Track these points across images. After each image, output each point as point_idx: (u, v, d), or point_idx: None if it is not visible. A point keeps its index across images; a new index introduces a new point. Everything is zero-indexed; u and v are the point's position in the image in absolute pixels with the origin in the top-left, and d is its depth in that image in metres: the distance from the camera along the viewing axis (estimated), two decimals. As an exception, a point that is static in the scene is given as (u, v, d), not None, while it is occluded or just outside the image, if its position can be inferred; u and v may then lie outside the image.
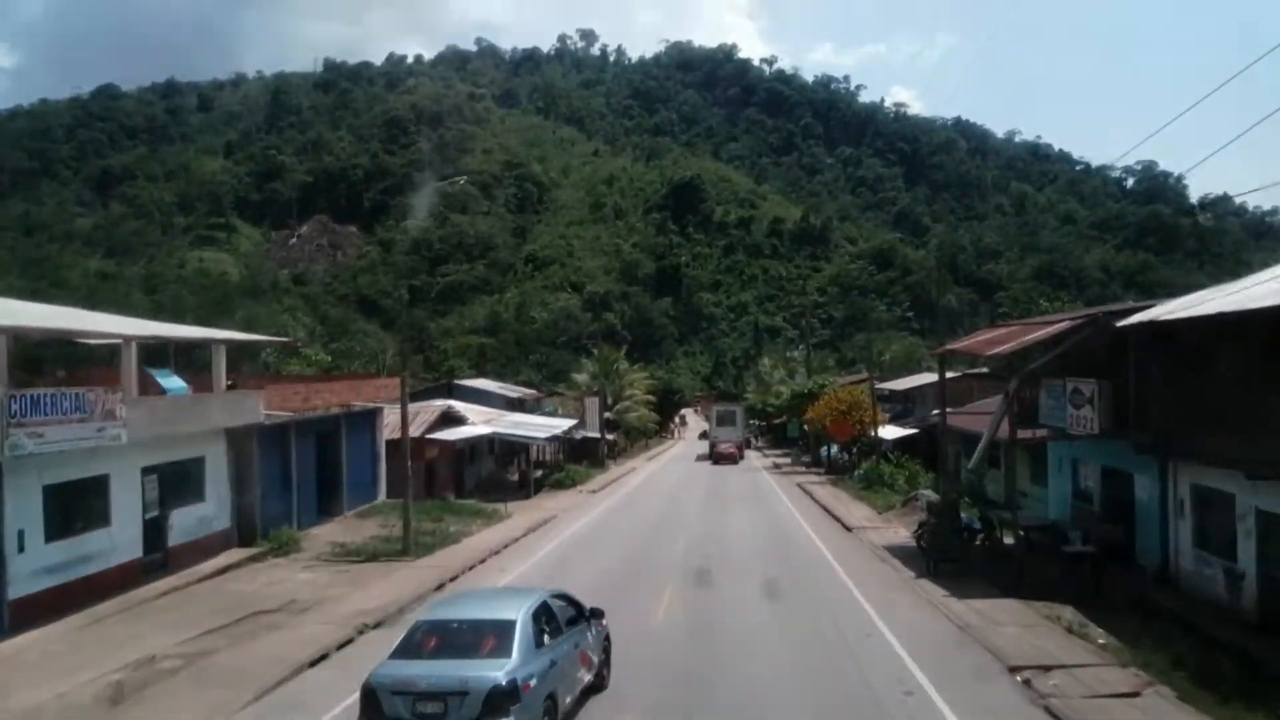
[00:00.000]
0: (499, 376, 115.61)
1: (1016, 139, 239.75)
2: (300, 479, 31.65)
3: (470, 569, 26.48)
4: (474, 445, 48.79)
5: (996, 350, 23.81)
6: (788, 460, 67.96)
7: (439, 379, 71.12)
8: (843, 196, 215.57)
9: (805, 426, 61.77)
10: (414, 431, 39.77)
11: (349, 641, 18.62)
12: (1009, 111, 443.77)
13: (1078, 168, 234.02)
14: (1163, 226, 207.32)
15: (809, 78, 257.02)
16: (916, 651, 16.65)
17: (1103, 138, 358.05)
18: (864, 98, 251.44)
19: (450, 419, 44.22)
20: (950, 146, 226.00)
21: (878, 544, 29.06)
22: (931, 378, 60.95)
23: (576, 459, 62.21)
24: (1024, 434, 27.07)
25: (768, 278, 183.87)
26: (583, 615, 14.46)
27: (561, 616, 13.61)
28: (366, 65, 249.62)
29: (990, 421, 24.66)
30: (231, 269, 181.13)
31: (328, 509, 34.18)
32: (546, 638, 12.73)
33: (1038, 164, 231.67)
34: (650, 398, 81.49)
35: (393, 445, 38.90)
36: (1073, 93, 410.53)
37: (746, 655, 16.95)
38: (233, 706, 14.67)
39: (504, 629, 12.28)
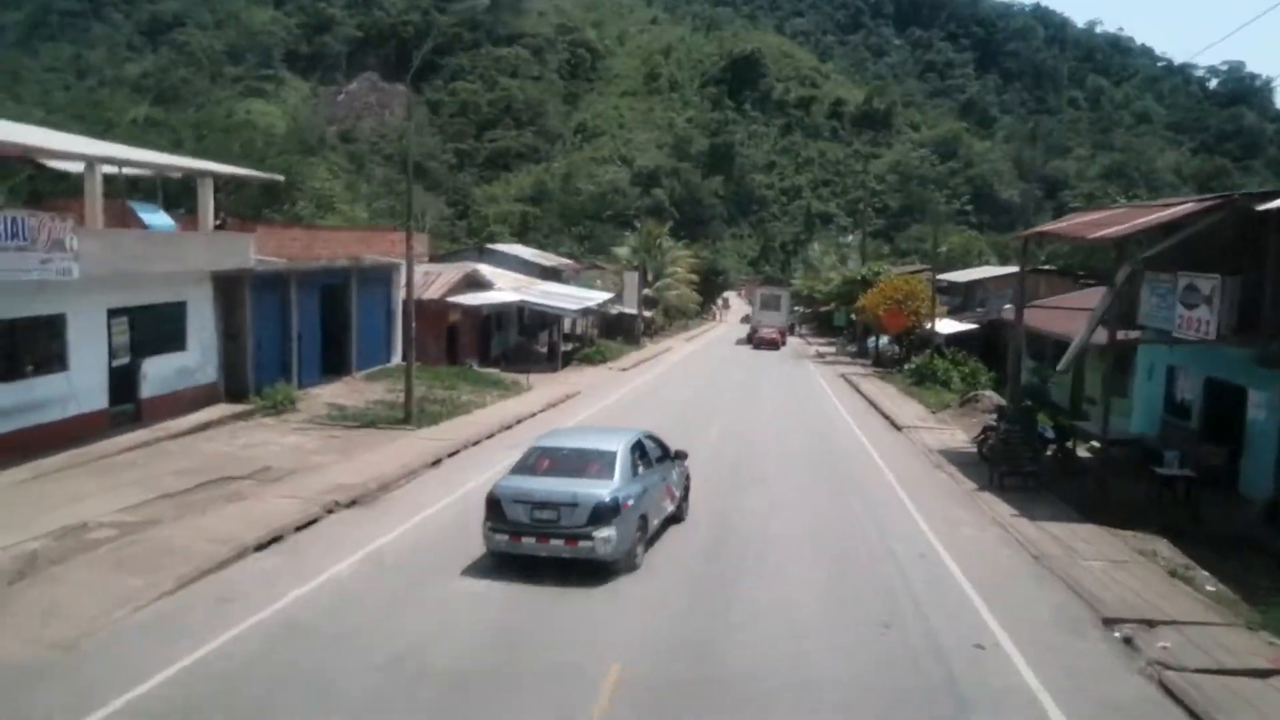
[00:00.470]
0: (541, 246, 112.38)
1: (1098, 29, 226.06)
2: (302, 333, 28.91)
3: (475, 444, 23.78)
4: (502, 313, 45.89)
5: (1103, 234, 19.95)
6: (832, 350, 64.53)
7: (477, 243, 67.73)
8: (909, 81, 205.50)
9: (854, 316, 58.08)
10: (434, 294, 36.89)
11: (312, 522, 15.92)
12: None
13: (1160, 64, 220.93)
14: (1244, 131, 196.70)
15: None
16: (985, 586, 13.57)
17: (1190, 34, 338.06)
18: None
19: (475, 283, 41.17)
20: (1027, 34, 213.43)
21: (931, 447, 25.87)
22: (994, 271, 56.84)
23: (611, 335, 59.25)
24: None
25: (824, 161, 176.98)
26: (669, 455, 16.20)
27: (652, 453, 15.37)
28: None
29: (1089, 318, 20.97)
30: (280, 121, 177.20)
31: (335, 368, 31.49)
32: (640, 468, 14.50)
33: (1118, 57, 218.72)
34: (693, 277, 77.80)
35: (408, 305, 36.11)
36: None
37: (776, 576, 13.98)
38: (145, 596, 11.98)
39: (607, 457, 14.14)
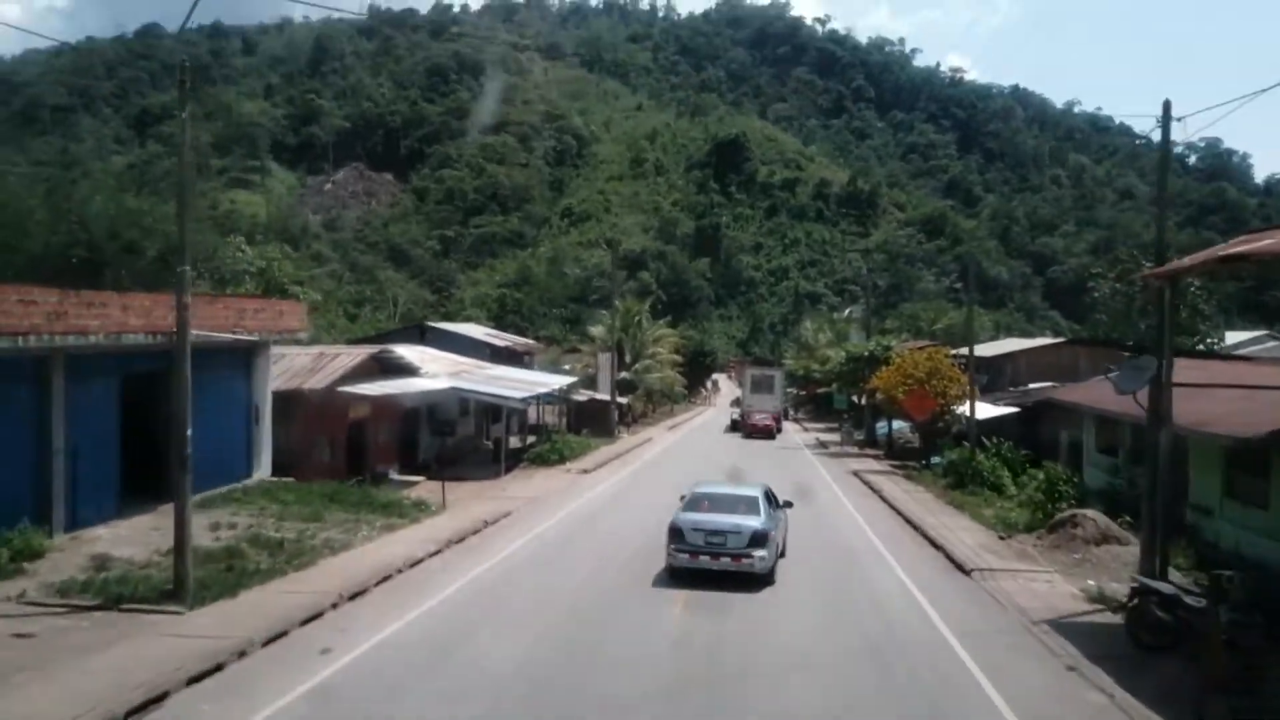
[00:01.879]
0: (519, 330, 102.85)
1: (1076, 109, 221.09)
2: (78, 446, 18.70)
3: (277, 638, 13.37)
4: (436, 406, 35.75)
5: None
6: (835, 438, 54.26)
7: (418, 323, 57.41)
8: (892, 162, 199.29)
9: (862, 398, 48.18)
10: (321, 382, 26.77)
11: None
12: (1069, 81, 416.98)
13: (1139, 141, 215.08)
14: (1228, 205, 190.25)
15: (862, 39, 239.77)
16: None
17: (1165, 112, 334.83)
18: (919, 62, 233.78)
19: (392, 367, 31.10)
20: (1007, 115, 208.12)
21: (1029, 611, 15.50)
22: (1025, 343, 46.98)
23: (584, 424, 49.13)
24: None
25: (811, 242, 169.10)
26: (779, 504, 19.78)
27: (773, 501, 19.46)
28: (411, 12, 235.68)
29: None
30: (263, 211, 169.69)
31: (152, 491, 21.15)
32: (771, 509, 18.59)
33: (1097, 136, 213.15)
34: (677, 357, 67.98)
35: (285, 398, 25.96)
36: (1136, 64, 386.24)
37: None
38: None
39: (752, 499, 18.37)
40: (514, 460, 36.36)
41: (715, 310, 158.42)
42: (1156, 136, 17.66)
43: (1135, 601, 13.69)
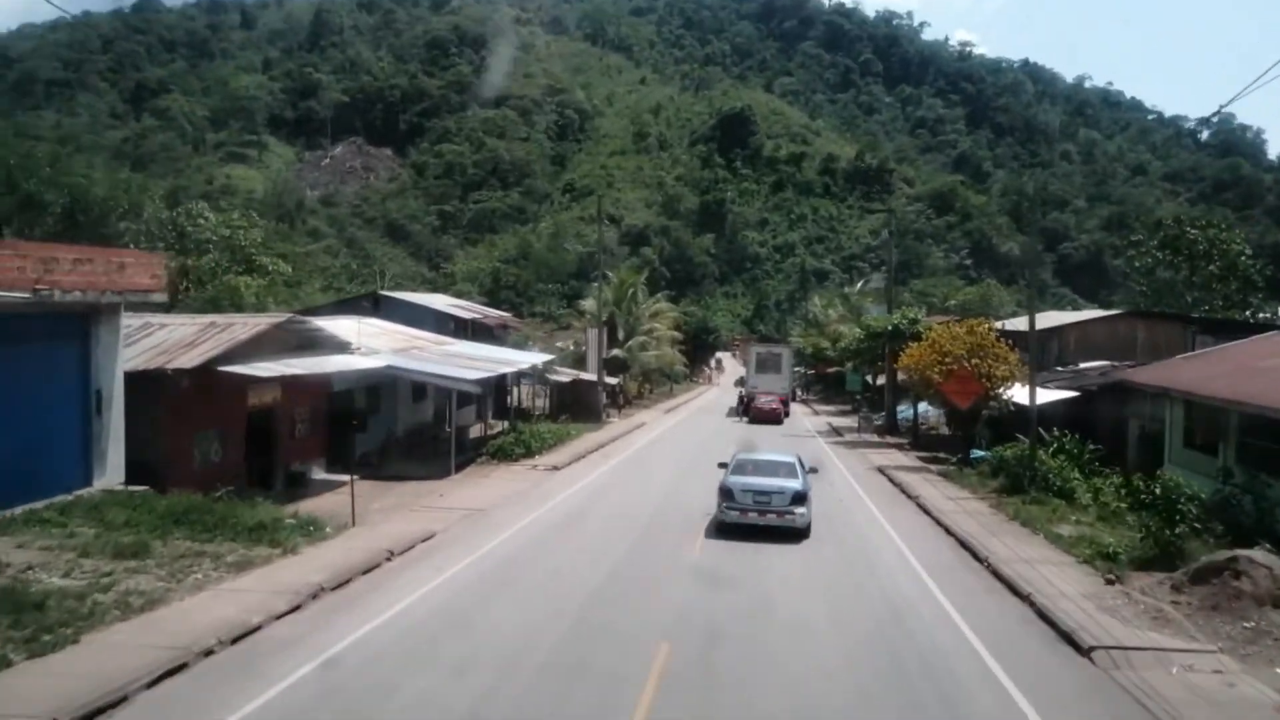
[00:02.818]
0: (513, 307, 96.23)
1: (1087, 84, 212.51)
2: None
3: None
4: (381, 388, 29.22)
5: None
6: (848, 422, 47.58)
7: (370, 291, 49.64)
8: (900, 137, 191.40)
9: (877, 379, 41.60)
10: (199, 357, 20.24)
11: None
12: (1079, 56, 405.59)
13: (1150, 117, 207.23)
14: (1242, 181, 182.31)
15: (870, 13, 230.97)
16: None
17: (1176, 86, 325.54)
18: (927, 36, 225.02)
19: (308, 341, 24.45)
20: (1016, 89, 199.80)
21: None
22: (1073, 317, 40.26)
23: (570, 408, 42.61)
24: None
25: (818, 218, 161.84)
26: (807, 469, 20.85)
27: (806, 465, 21.07)
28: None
29: None
30: (260, 186, 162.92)
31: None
32: (805, 474, 20.17)
33: (1108, 111, 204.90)
34: (675, 334, 61.30)
35: (147, 381, 19.49)
36: (1147, 38, 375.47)
37: None
38: None
39: (790, 464, 20.39)
40: (474, 452, 29.82)
41: (720, 288, 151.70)
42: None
43: None
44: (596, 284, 47.70)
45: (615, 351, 50.34)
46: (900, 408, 42.02)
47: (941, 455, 33.17)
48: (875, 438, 40.50)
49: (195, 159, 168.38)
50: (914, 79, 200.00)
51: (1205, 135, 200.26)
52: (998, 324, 34.48)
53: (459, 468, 27.04)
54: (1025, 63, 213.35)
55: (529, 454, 29.09)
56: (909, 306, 41.02)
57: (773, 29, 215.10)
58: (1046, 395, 28.96)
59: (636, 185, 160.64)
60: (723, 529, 18.84)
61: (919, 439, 38.13)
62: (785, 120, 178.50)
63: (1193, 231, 52.50)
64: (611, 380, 46.53)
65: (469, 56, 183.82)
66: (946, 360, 28.33)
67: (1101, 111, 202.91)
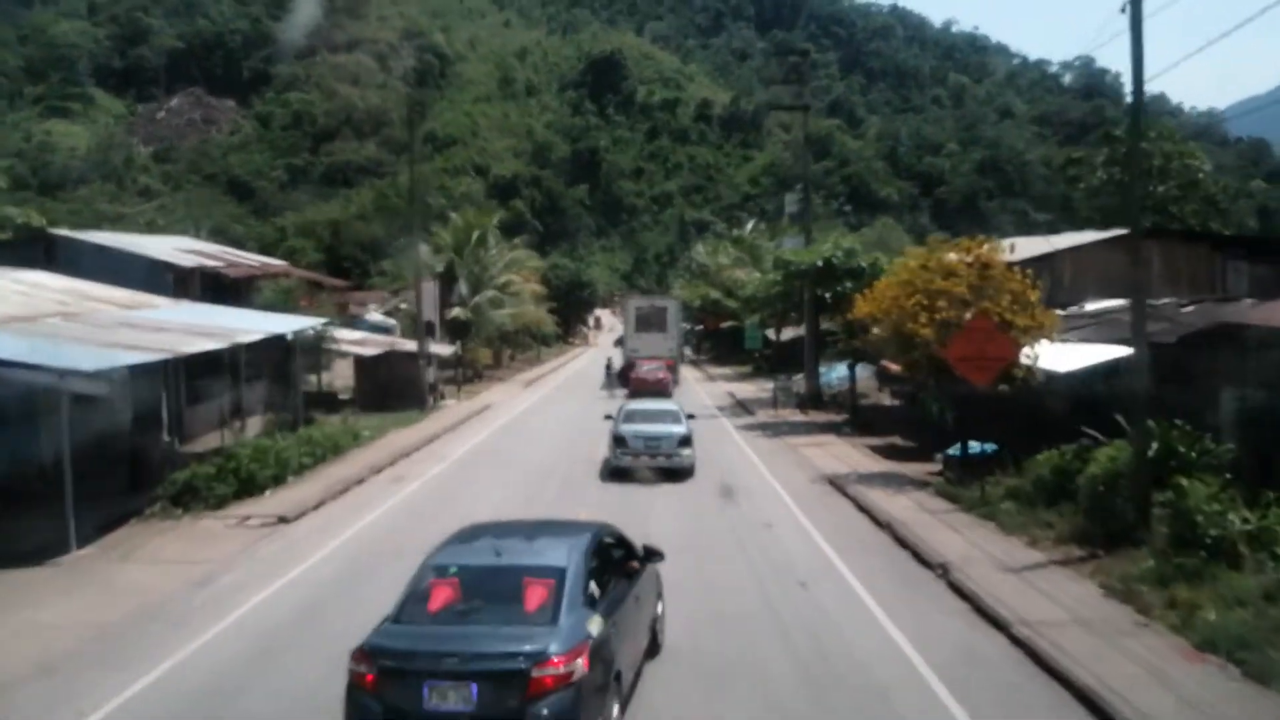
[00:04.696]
0: (357, 264, 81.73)
1: (954, 29, 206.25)
2: None
3: None
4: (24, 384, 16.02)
5: None
6: (755, 392, 36.28)
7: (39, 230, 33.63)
8: (774, 86, 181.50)
9: (808, 333, 30.31)
10: None
11: None
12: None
13: (1015, 60, 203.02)
14: (1105, 122, 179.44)
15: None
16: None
17: (1038, 30, 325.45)
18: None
19: None
20: (887, 33, 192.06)
21: None
22: (1067, 240, 29.37)
23: (387, 391, 29.94)
24: None
25: (694, 166, 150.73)
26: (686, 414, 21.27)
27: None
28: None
29: None
30: (84, 143, 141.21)
31: None
32: (687, 420, 20.56)
33: (975, 55, 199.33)
34: (536, 287, 48.88)
35: None
36: None
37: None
38: None
39: (675, 412, 20.73)
40: (151, 494, 16.85)
41: (597, 241, 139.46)
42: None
43: None
44: (413, 225, 34.00)
45: (456, 311, 37.68)
46: (831, 372, 30.89)
47: (899, 443, 22.17)
48: (799, 415, 29.20)
49: (10, 115, 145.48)
50: (786, 23, 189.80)
51: (1068, 79, 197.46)
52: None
53: (106, 529, 14.29)
54: (894, 7, 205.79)
55: (250, 490, 16.37)
56: (838, 234, 29.13)
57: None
58: (1084, 356, 17.85)
59: (504, 134, 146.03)
60: (615, 474, 19.25)
61: (857, 413, 27.02)
62: (657, 64, 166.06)
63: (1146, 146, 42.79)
64: (442, 350, 33.73)
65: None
66: (940, 305, 16.86)
67: (969, 55, 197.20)
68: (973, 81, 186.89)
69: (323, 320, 24.30)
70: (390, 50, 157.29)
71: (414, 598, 7.25)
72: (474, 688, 6.51)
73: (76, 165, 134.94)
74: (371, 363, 29.75)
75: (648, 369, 35.53)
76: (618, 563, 8.43)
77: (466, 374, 38.28)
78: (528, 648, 6.60)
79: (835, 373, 32.23)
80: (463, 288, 39.64)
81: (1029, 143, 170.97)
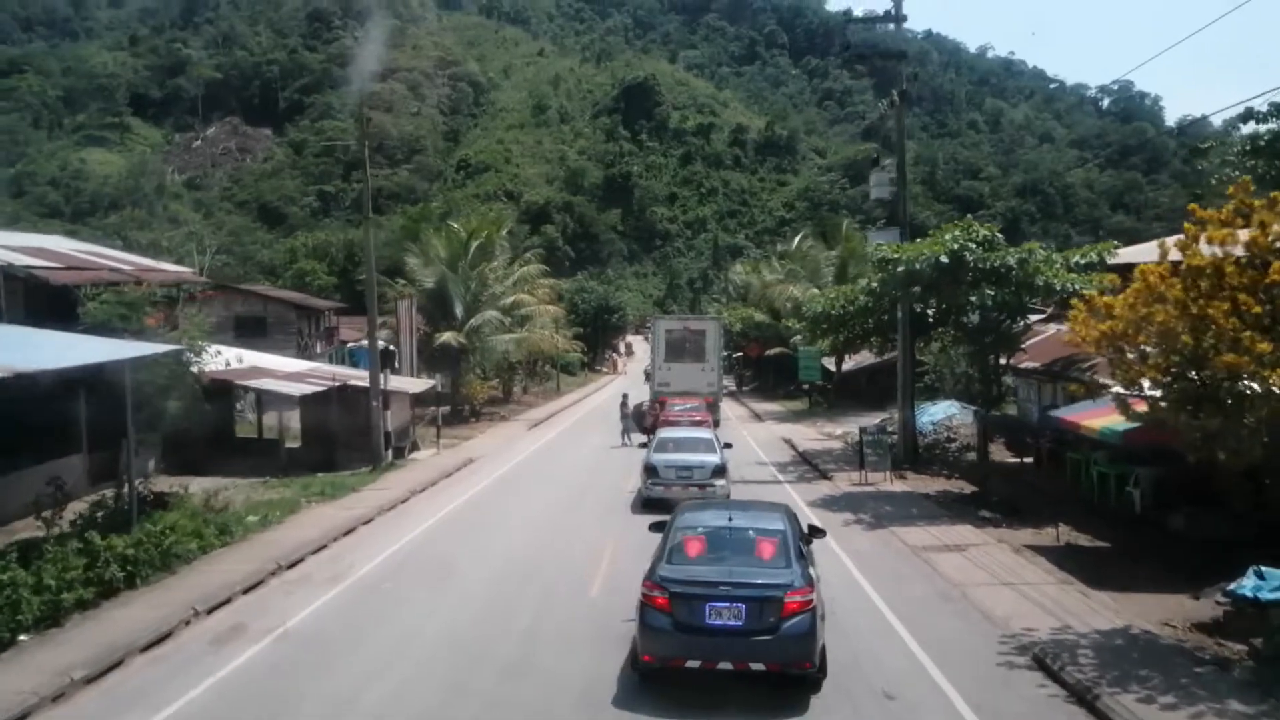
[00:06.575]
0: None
1: (989, 54, 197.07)
2: None
3: None
4: None
5: None
6: (814, 436, 27.53)
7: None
8: (808, 109, 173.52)
9: (903, 363, 21.76)
10: None
11: None
12: (980, 27, 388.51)
13: (1052, 85, 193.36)
14: (1147, 145, 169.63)
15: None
16: None
17: (1075, 55, 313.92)
18: (831, 6, 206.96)
19: None
20: (922, 59, 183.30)
21: None
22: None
23: (338, 442, 21.87)
24: None
25: (729, 191, 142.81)
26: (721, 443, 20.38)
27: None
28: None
29: None
30: (119, 171, 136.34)
31: None
32: (722, 449, 19.47)
33: (1011, 80, 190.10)
34: (554, 310, 40.57)
35: None
36: (1045, 8, 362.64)
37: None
38: None
39: (710, 440, 19.66)
40: None
41: (630, 267, 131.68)
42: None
43: None
44: (366, 217, 25.75)
45: (446, 337, 29.46)
46: (929, 413, 22.24)
47: (1087, 544, 13.32)
48: (898, 481, 20.41)
49: (47, 143, 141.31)
50: (819, 50, 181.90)
51: (1106, 103, 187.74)
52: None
53: None
54: (929, 33, 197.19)
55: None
56: (959, 224, 20.35)
57: (674, 1, 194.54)
58: None
59: (537, 160, 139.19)
60: (648, 504, 17.73)
61: (988, 487, 18.24)
62: (691, 90, 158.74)
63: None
64: (419, 385, 25.28)
65: (353, 29, 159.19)
66: (1240, 319, 8.31)
67: (1005, 80, 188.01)
68: (1010, 106, 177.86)
69: (173, 347, 15.61)
70: (424, 79, 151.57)
71: (676, 548, 9.54)
72: (744, 608, 8.73)
73: (108, 192, 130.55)
74: (314, 403, 21.62)
75: (681, 409, 26.76)
76: (803, 534, 10.57)
77: (460, 412, 30.13)
78: (780, 580, 8.89)
79: (926, 415, 23.54)
80: (457, 309, 31.57)
81: (1069, 165, 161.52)
